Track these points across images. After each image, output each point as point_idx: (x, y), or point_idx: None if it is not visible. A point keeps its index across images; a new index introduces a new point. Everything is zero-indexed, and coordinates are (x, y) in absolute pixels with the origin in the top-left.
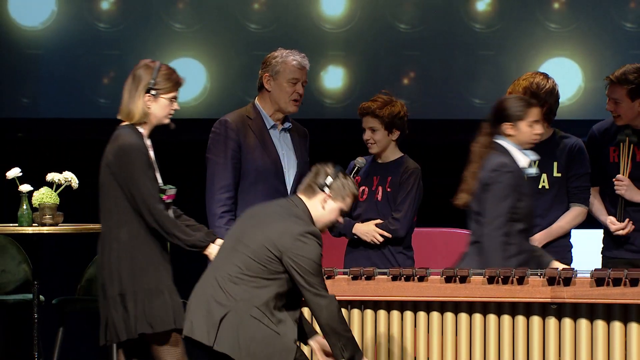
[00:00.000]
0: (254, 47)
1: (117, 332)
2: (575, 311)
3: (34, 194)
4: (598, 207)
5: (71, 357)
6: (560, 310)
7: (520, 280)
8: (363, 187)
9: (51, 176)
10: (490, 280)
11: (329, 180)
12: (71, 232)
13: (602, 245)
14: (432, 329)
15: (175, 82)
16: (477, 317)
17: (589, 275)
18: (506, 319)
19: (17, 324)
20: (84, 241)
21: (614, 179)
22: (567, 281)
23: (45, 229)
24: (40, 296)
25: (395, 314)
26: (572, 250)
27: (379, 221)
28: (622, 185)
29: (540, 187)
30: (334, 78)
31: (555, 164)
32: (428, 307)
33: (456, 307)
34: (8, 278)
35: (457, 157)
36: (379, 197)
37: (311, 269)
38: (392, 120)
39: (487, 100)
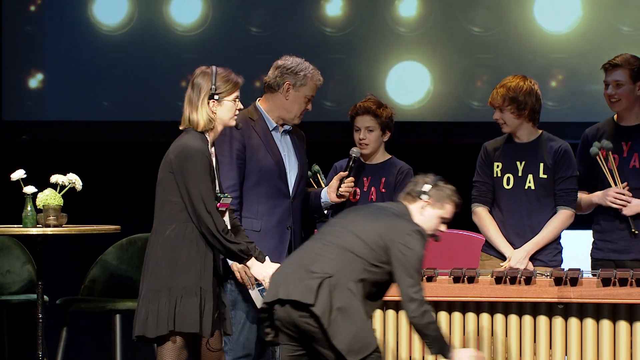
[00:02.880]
0: None
1: (147, 328)
2: (581, 311)
3: (38, 195)
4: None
5: (75, 357)
6: (566, 310)
7: (528, 281)
8: (355, 189)
9: (55, 178)
10: (498, 280)
11: (427, 187)
12: (75, 233)
13: (590, 247)
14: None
15: (234, 82)
16: (485, 316)
17: (595, 275)
18: (513, 318)
19: (21, 324)
20: (87, 242)
21: (609, 197)
22: (574, 281)
23: (49, 230)
24: (45, 296)
25: (403, 313)
26: (562, 251)
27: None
28: (622, 201)
29: (526, 187)
30: None
31: (541, 165)
32: (437, 306)
33: (464, 307)
34: (13, 278)
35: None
36: (374, 198)
37: (414, 264)
38: (388, 121)
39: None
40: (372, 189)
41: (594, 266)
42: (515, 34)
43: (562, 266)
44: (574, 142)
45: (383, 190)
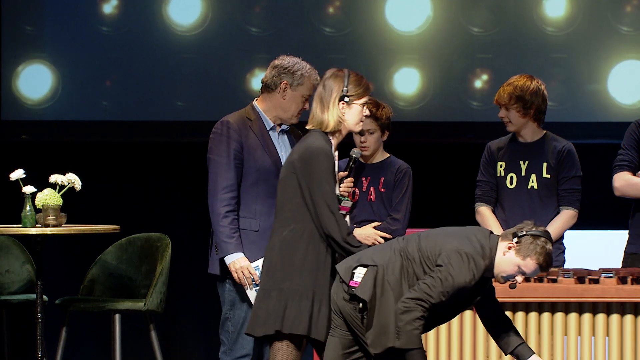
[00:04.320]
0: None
1: (255, 326)
2: None
3: (38, 195)
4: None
5: (74, 357)
6: None
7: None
8: (354, 189)
9: (54, 178)
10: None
11: (523, 232)
12: (74, 233)
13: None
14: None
15: (365, 87)
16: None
17: None
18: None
19: (20, 324)
20: (87, 242)
21: None
22: None
23: (48, 230)
24: (44, 296)
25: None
26: (565, 252)
27: (376, 223)
28: None
29: (529, 187)
30: None
31: (544, 165)
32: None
33: (583, 307)
34: (12, 278)
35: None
36: (373, 197)
37: (443, 281)
38: (387, 122)
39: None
40: (371, 188)
41: (626, 262)
42: (514, 34)
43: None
44: (575, 142)
45: (382, 189)
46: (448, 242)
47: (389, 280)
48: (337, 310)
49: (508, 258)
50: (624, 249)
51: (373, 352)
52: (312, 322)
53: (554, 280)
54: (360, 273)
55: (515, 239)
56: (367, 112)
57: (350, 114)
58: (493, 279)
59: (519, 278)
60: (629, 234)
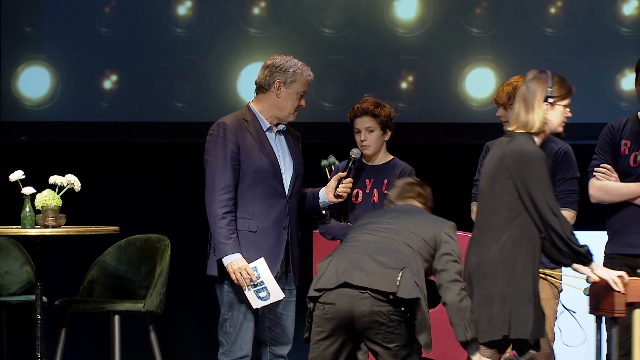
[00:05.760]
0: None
1: (478, 331)
2: None
3: (37, 196)
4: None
5: (74, 358)
6: None
7: None
8: (357, 190)
9: (54, 179)
10: None
11: None
12: (74, 234)
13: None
14: None
15: (568, 88)
16: None
17: None
18: None
19: (20, 325)
20: (86, 243)
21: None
22: None
23: (48, 231)
24: (43, 297)
25: None
26: None
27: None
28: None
29: None
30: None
31: None
32: None
33: None
34: (11, 279)
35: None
36: (376, 199)
37: (458, 252)
38: (387, 120)
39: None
40: (375, 190)
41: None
42: (514, 34)
43: (561, 268)
44: (573, 143)
45: (385, 191)
46: (434, 220)
47: (416, 282)
48: (345, 315)
49: None
50: (604, 250)
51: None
52: (534, 326)
53: None
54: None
55: None
56: (570, 114)
57: (553, 115)
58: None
59: None
60: (607, 234)
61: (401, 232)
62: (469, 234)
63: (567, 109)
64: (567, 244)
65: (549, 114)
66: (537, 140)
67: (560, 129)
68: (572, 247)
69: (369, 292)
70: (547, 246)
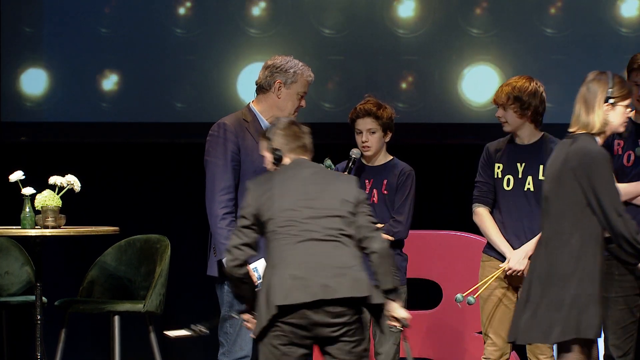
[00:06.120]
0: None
1: (550, 335)
2: None
3: (37, 196)
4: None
5: (74, 358)
6: None
7: None
8: None
9: (54, 179)
10: None
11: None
12: (73, 235)
13: None
14: None
15: (629, 89)
16: None
17: None
18: None
19: (20, 326)
20: (86, 243)
21: None
22: None
23: (47, 232)
24: (43, 298)
25: None
26: None
27: (379, 225)
28: None
29: (525, 189)
30: None
31: (541, 167)
32: None
33: None
34: (11, 280)
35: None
36: (375, 199)
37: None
38: (389, 122)
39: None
40: (374, 191)
41: None
42: (514, 34)
43: None
44: None
45: (385, 192)
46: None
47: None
48: (311, 328)
49: None
50: None
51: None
52: (600, 326)
53: None
54: None
55: None
56: (631, 114)
57: (614, 115)
58: None
59: None
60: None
61: (328, 223)
62: (469, 234)
63: (628, 109)
64: (631, 244)
65: (609, 115)
66: (599, 140)
67: (622, 129)
68: (636, 247)
69: (334, 303)
70: (612, 246)
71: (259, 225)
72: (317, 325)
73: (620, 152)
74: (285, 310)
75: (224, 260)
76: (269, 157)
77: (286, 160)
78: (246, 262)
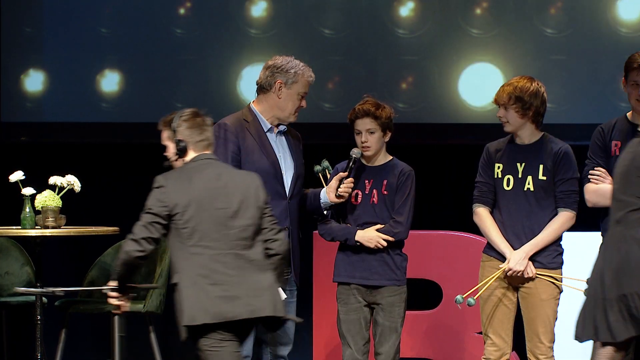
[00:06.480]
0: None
1: (612, 334)
2: None
3: (37, 197)
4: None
5: (74, 358)
6: None
7: None
8: (356, 191)
9: (54, 179)
10: None
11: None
12: (73, 235)
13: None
14: None
15: None
16: None
17: None
18: None
19: (20, 326)
20: (86, 243)
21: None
22: None
23: (47, 232)
24: (43, 298)
25: None
26: (564, 253)
27: (379, 226)
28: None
29: (525, 189)
30: None
31: (541, 167)
32: None
33: None
34: (11, 280)
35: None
36: (375, 200)
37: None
38: (388, 122)
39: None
40: (374, 191)
41: None
42: (514, 35)
43: (562, 269)
44: (573, 143)
45: (385, 192)
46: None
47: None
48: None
49: None
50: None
51: None
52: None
53: None
54: None
55: None
56: None
57: None
58: None
59: None
60: (602, 235)
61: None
62: (469, 235)
63: None
64: None
65: None
66: None
67: None
68: None
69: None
70: None
71: (168, 221)
72: None
73: (617, 153)
74: None
75: (129, 248)
76: (172, 147)
77: (190, 154)
78: (148, 256)
